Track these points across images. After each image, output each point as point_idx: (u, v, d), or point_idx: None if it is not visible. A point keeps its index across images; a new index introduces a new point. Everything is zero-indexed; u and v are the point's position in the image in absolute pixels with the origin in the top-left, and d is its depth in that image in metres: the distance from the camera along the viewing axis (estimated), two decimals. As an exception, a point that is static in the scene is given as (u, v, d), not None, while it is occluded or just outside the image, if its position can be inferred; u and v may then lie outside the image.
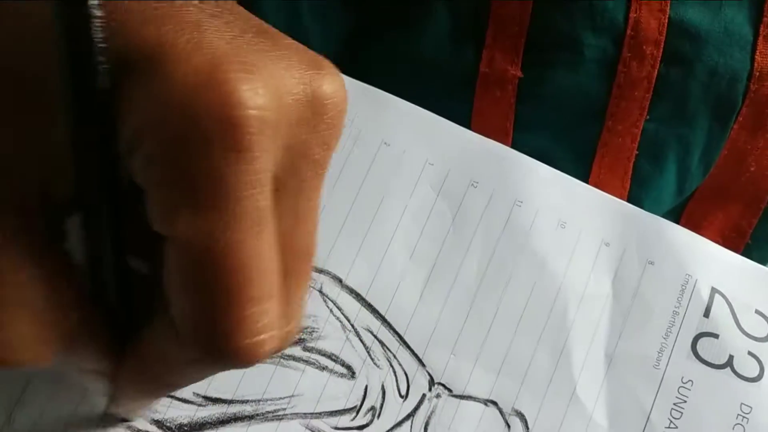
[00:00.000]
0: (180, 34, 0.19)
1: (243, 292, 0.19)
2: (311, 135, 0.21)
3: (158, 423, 0.30)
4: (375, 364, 0.31)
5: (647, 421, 0.31)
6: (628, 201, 0.34)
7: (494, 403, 0.31)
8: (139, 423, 0.30)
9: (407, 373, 0.31)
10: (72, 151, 0.20)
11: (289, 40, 0.21)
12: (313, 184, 0.21)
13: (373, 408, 0.31)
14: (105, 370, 0.23)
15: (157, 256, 0.21)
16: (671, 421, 0.31)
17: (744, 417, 0.31)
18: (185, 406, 0.30)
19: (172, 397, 0.30)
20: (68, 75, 0.19)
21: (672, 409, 0.31)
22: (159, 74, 0.19)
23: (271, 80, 0.19)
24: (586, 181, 0.34)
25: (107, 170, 0.20)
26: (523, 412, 0.31)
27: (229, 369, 0.21)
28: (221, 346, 0.20)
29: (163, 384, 0.23)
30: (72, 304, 0.21)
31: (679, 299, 0.32)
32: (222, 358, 0.20)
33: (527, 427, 0.31)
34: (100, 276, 0.22)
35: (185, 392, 0.30)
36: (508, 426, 0.31)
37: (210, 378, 0.30)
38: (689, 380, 0.31)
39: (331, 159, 0.22)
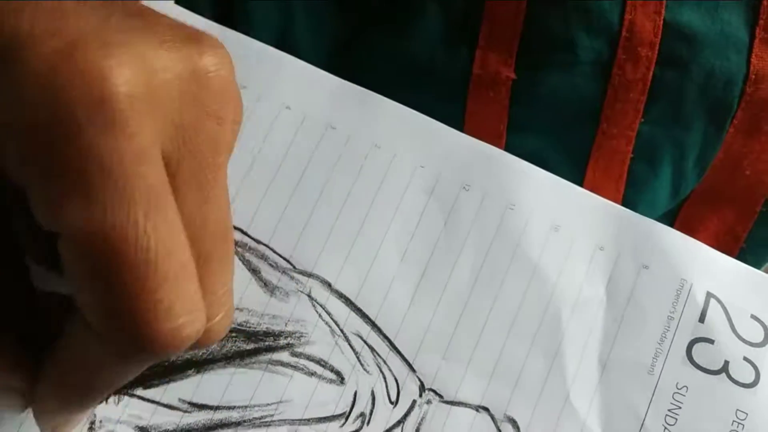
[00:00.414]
0: (37, 22, 0.18)
1: (150, 274, 0.18)
2: (201, 110, 0.20)
3: (143, 430, 0.29)
4: (365, 369, 0.30)
5: (641, 428, 0.30)
6: (623, 204, 0.34)
7: (486, 409, 0.30)
8: (124, 430, 0.29)
9: (397, 378, 0.30)
10: None
11: (167, 19, 0.21)
12: (213, 161, 0.20)
13: (362, 414, 0.30)
14: (20, 386, 0.22)
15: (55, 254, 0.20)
16: (666, 428, 0.30)
17: (740, 423, 0.30)
18: (170, 412, 0.29)
19: (156, 403, 0.29)
20: None
21: (667, 415, 0.31)
22: (15, 62, 0.18)
23: (140, 56, 0.19)
24: (580, 184, 0.34)
25: None
26: (515, 418, 0.30)
27: (154, 359, 0.20)
28: (138, 334, 0.19)
29: (88, 390, 0.22)
30: None
31: (674, 304, 0.32)
32: (143, 348, 0.19)
33: (519, 434, 0.30)
34: None
35: (171, 398, 0.29)
36: (500, 433, 0.30)
37: (196, 384, 0.30)
38: (684, 386, 0.31)
39: (235, 134, 0.21)
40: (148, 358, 0.20)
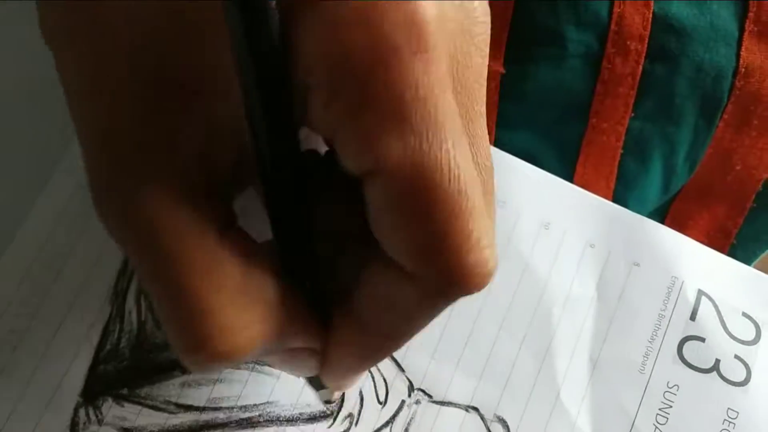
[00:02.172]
0: None
1: (462, 205, 0.18)
2: (470, 42, 0.19)
3: (127, 431, 0.29)
4: (353, 369, 0.30)
5: (632, 427, 0.30)
6: (613, 200, 0.33)
7: (475, 409, 0.30)
8: (107, 432, 0.29)
9: (386, 378, 0.30)
10: (248, 120, 0.19)
11: None
12: (479, 95, 0.20)
13: (350, 415, 0.30)
14: (319, 347, 0.22)
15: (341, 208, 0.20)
16: (656, 427, 0.30)
17: (730, 422, 0.30)
18: (156, 414, 0.29)
19: (141, 404, 0.29)
20: (242, 38, 0.18)
21: (657, 414, 0.30)
22: None
23: None
24: (570, 180, 0.33)
25: (284, 137, 0.19)
26: (505, 418, 0.30)
27: (463, 295, 0.19)
28: (453, 268, 0.18)
29: (390, 339, 0.22)
30: (270, 283, 0.20)
31: (665, 302, 0.31)
32: (457, 283, 0.19)
33: (510, 434, 0.30)
34: (290, 250, 0.21)
35: (155, 399, 0.29)
36: (490, 432, 0.30)
37: (181, 386, 0.29)
38: (675, 385, 0.31)
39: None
40: (458, 294, 0.19)
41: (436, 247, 0.18)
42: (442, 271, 0.19)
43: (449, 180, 0.18)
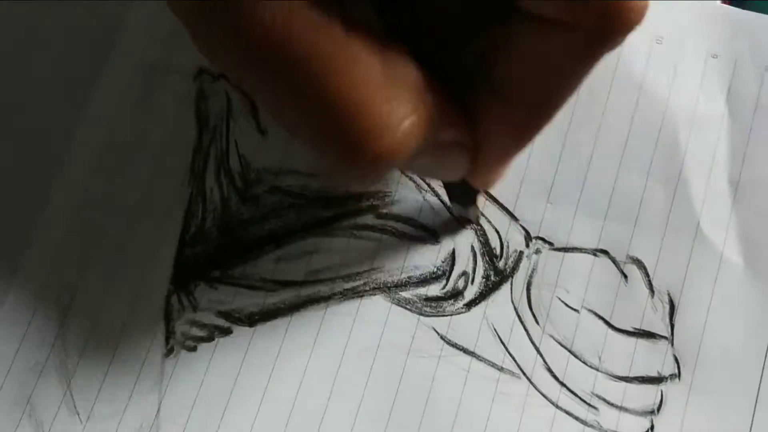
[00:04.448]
0: None
1: None
2: None
3: (225, 314, 0.26)
4: (460, 223, 0.27)
5: (790, 251, 0.26)
6: (730, 15, 0.29)
7: (605, 252, 0.27)
8: (204, 317, 0.26)
9: (498, 230, 0.27)
10: None
11: None
12: None
13: (464, 273, 0.27)
14: (466, 140, 0.21)
15: None
16: (819, 248, 0.26)
17: None
18: (252, 293, 0.26)
19: (236, 285, 0.26)
20: None
21: (818, 233, 0.26)
22: None
23: None
24: (677, -4, 0.29)
25: None
26: (640, 258, 0.26)
27: (619, 39, 0.19)
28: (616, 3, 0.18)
29: (540, 109, 0.20)
30: (413, 68, 0.18)
31: (810, 106, 0.27)
32: (620, 17, 0.18)
33: (647, 275, 0.26)
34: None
35: (251, 279, 0.27)
36: (625, 276, 0.26)
37: (276, 261, 0.27)
38: (835, 196, 0.26)
39: None
40: (620, 33, 0.19)
41: None
42: (604, 10, 0.18)
43: None
